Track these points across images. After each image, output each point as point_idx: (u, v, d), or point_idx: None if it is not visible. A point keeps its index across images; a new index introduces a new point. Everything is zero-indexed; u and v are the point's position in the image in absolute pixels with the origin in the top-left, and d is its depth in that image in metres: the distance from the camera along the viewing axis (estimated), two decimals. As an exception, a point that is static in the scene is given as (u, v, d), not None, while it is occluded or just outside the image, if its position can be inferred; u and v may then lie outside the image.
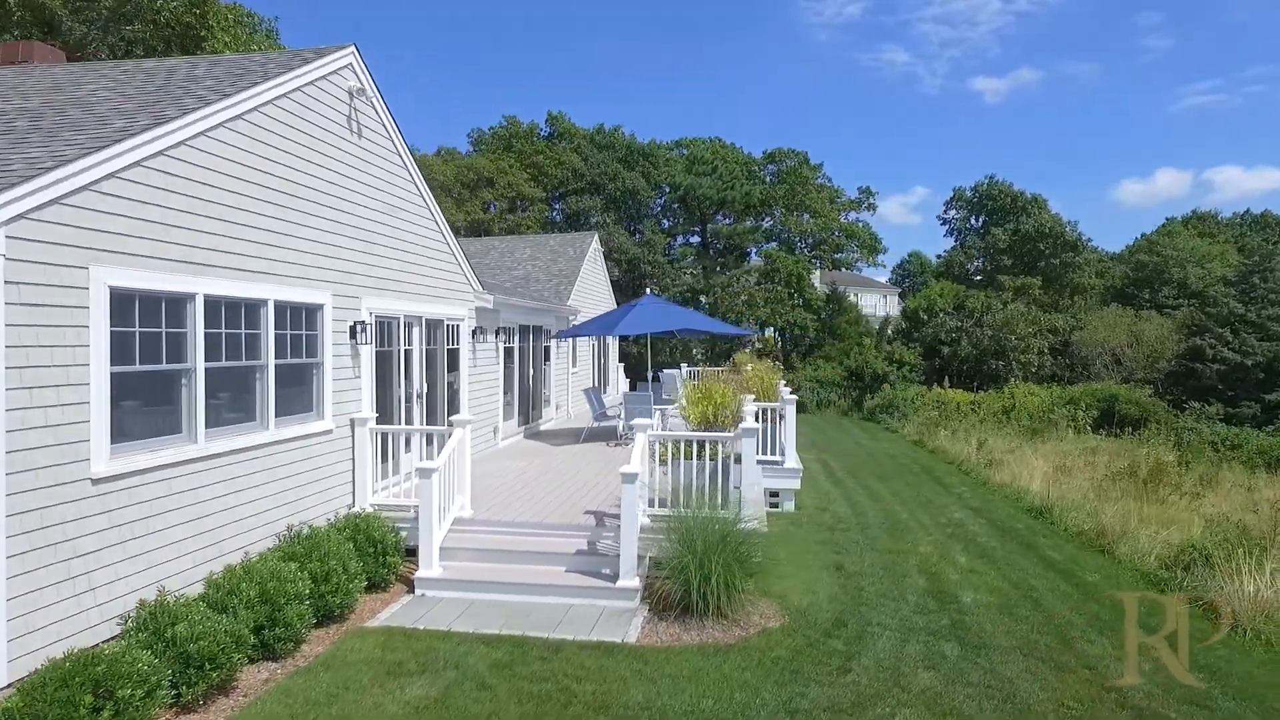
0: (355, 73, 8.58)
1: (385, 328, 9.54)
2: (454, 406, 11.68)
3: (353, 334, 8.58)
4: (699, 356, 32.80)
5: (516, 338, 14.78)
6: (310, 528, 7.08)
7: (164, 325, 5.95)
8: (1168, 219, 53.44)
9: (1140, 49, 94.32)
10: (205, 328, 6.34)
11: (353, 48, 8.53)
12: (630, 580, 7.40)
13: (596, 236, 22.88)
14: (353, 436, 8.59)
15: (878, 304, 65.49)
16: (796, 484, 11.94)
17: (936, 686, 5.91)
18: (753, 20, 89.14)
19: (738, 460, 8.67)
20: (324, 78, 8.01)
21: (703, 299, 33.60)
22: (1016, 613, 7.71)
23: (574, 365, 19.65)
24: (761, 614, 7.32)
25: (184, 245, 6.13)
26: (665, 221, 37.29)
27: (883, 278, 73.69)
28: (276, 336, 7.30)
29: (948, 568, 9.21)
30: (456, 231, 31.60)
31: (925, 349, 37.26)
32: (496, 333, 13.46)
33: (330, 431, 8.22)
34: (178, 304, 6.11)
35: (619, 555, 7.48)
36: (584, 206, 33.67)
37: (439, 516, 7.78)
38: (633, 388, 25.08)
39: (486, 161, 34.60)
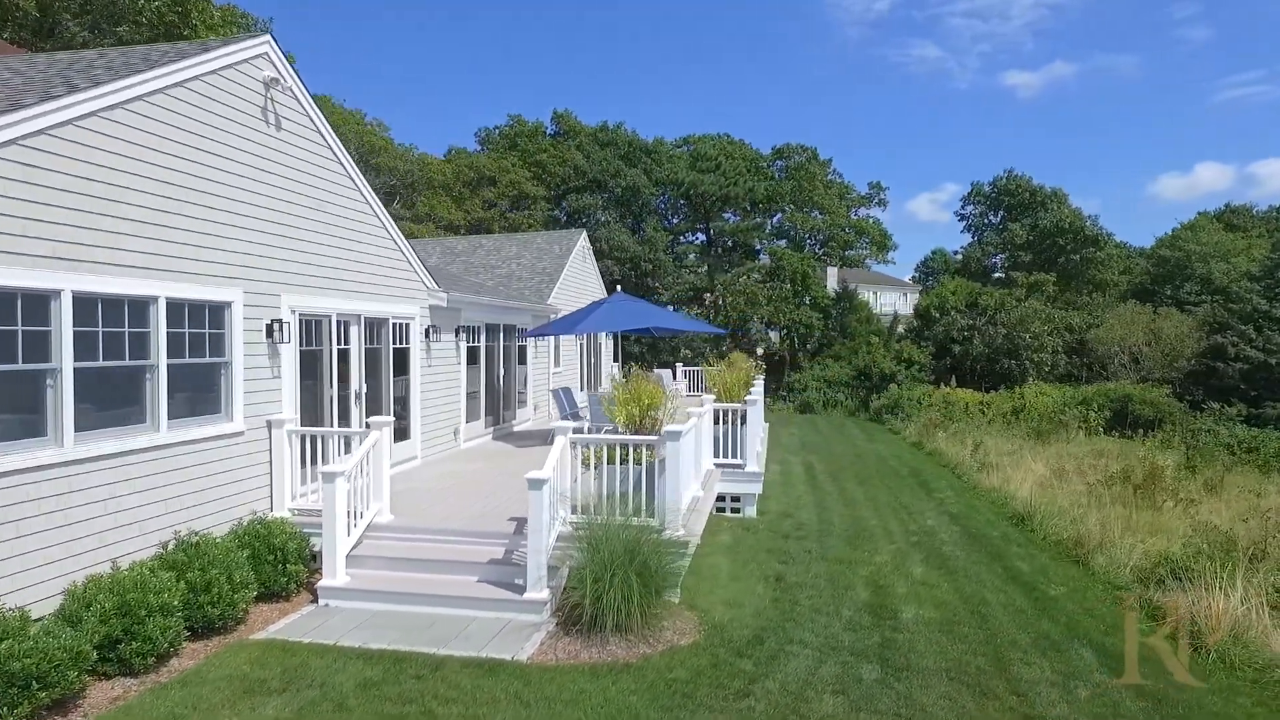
0: (272, 63, 8.28)
1: (313, 326, 9.24)
2: (404, 407, 11.38)
3: (269, 333, 8.28)
4: (708, 355, 32.26)
5: (483, 337, 14.45)
6: (198, 535, 6.77)
7: (20, 323, 5.66)
8: (1199, 213, 51.61)
9: (1177, 40, 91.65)
10: (75, 326, 6.05)
11: (268, 38, 8.23)
12: (538, 592, 7.00)
13: (584, 234, 22.49)
14: (270, 439, 8.29)
15: (898, 302, 64.27)
16: (757, 489, 11.45)
17: (839, 714, 5.43)
18: (778, 17, 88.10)
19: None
20: (230, 67, 7.71)
21: (707, 297, 33.07)
22: (957, 630, 7.17)
23: (556, 365, 19.29)
24: (676, 630, 6.88)
25: (50, 240, 5.85)
26: (671, 219, 36.78)
27: (906, 275, 72.36)
28: (170, 335, 7.00)
29: (898, 580, 8.68)
30: (455, 230, 31.50)
31: (937, 348, 36.35)
32: (457, 331, 13.13)
33: (242, 433, 7.92)
34: (40, 301, 5.83)
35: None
36: (585, 204, 33.30)
37: (346, 523, 7.44)
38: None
39: (488, 160, 34.40)
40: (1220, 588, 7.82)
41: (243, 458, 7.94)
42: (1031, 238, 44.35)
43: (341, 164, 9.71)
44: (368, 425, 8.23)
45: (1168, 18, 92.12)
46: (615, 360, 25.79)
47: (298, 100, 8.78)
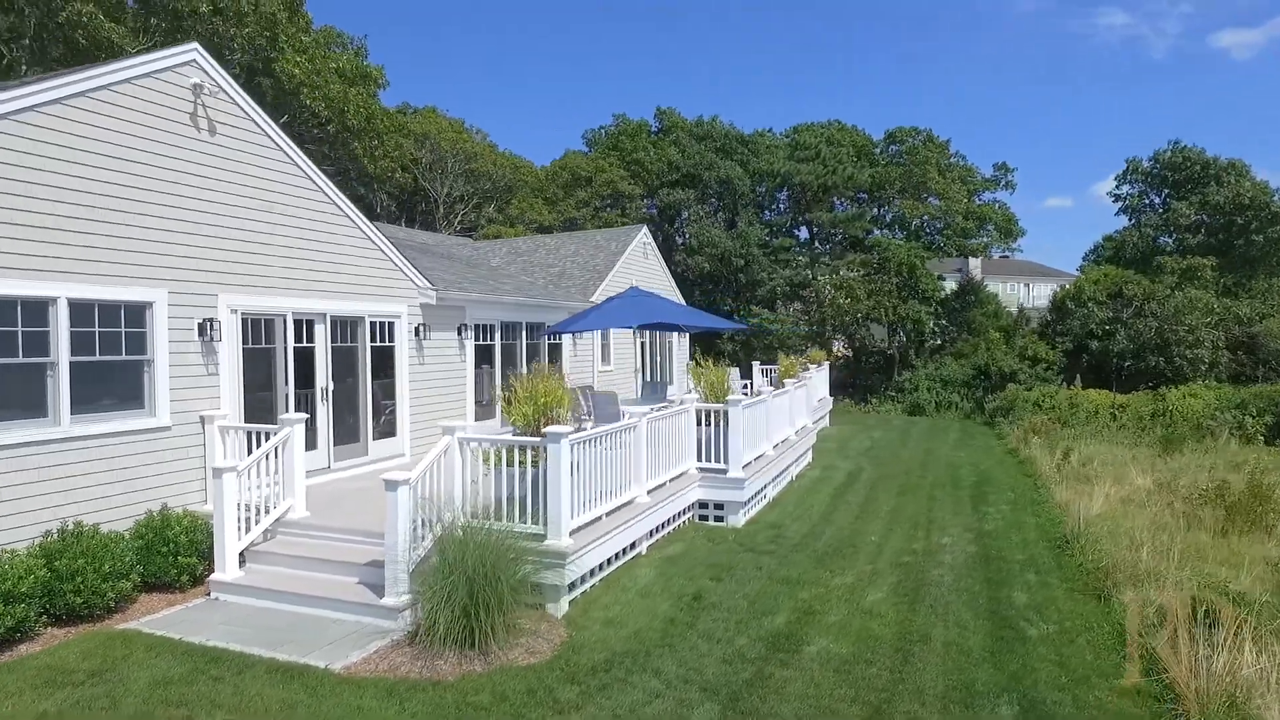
0: (201, 69, 8.55)
1: (262, 325, 9.49)
2: (385, 407, 11.51)
3: (202, 331, 8.56)
4: (809, 352, 30.70)
5: (498, 335, 14.41)
6: (86, 526, 7.05)
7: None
8: None
9: None
10: (-43, 326, 6.47)
11: (195, 47, 8.52)
12: (395, 598, 6.71)
13: (644, 230, 22.01)
14: (204, 434, 8.57)
15: (1055, 294, 58.43)
16: (741, 495, 10.54)
17: (618, 761, 4.72)
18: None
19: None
20: (150, 75, 8.03)
21: (802, 293, 31.49)
22: (856, 671, 6.11)
23: (605, 363, 18.98)
24: (529, 648, 6.35)
25: (-72, 246, 6.28)
26: (769, 213, 35.34)
27: (1072, 266, 65.64)
28: (75, 334, 7.37)
29: (839, 606, 7.59)
30: (547, 230, 31.98)
31: (1074, 344, 32.56)
32: (460, 330, 13.15)
33: (169, 428, 8.24)
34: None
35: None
36: (677, 200, 32.71)
37: (237, 518, 7.52)
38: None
39: (584, 160, 34.71)
40: (1228, 643, 6.20)
41: (171, 451, 8.26)
42: (1201, 217, 38.70)
43: (300, 168, 9.92)
44: (279, 421, 8.28)
45: None
46: (691, 359, 25.10)
47: (238, 105, 9.04)
